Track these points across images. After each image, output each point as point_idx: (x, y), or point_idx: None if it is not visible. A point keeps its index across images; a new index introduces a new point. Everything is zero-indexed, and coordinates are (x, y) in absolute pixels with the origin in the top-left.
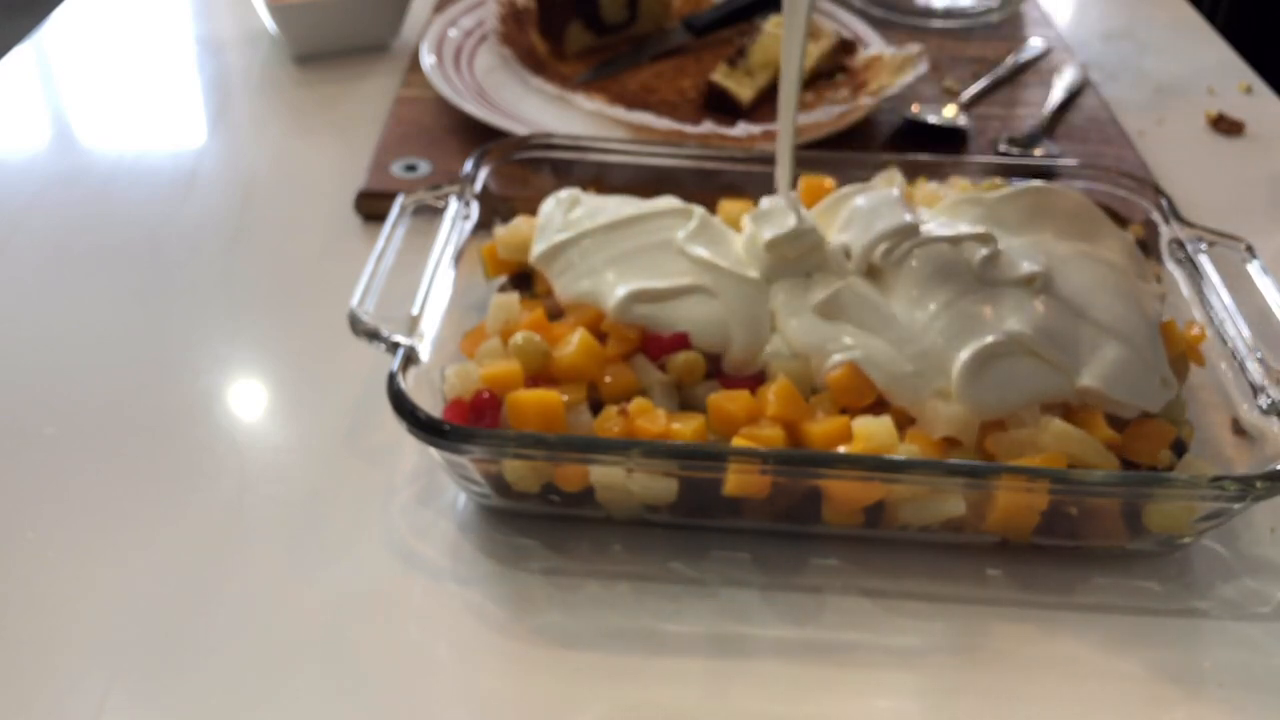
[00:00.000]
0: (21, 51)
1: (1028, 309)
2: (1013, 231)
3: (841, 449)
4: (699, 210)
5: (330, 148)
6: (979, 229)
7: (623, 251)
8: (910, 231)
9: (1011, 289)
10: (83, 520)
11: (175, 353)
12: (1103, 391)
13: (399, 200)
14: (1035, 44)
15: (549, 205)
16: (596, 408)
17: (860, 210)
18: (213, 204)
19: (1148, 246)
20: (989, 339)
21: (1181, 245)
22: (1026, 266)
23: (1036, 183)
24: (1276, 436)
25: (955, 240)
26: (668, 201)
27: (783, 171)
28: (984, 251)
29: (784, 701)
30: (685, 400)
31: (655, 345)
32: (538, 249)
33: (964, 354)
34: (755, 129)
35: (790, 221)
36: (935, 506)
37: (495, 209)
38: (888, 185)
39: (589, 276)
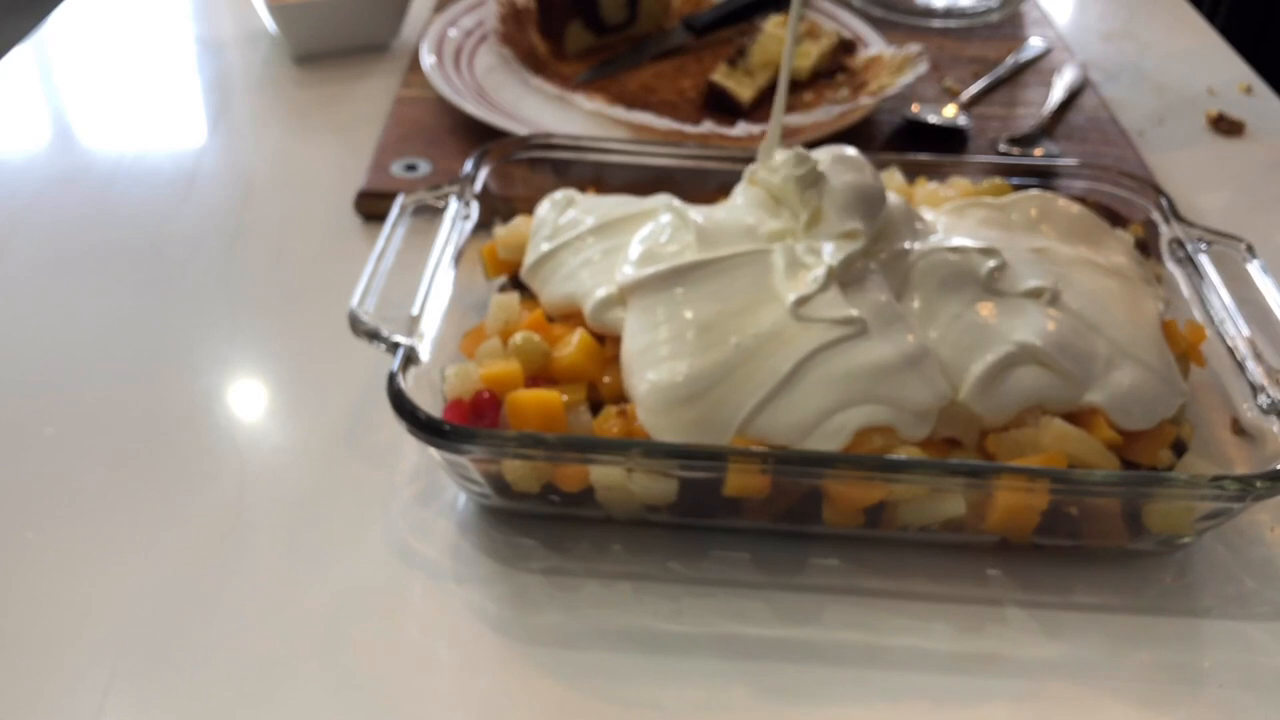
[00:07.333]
0: (21, 51)
1: (1037, 320)
2: (1018, 234)
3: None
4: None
5: (330, 148)
6: (983, 244)
7: (605, 252)
8: (904, 254)
9: (1020, 300)
10: (83, 520)
11: (175, 353)
12: (1114, 415)
13: (399, 200)
14: (1035, 44)
15: (544, 208)
16: (596, 408)
17: None
18: (213, 204)
19: (1148, 246)
20: (1002, 352)
21: (1181, 245)
22: (1033, 281)
23: (1036, 191)
24: (1276, 436)
25: (960, 252)
26: (660, 200)
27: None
28: (991, 263)
29: (784, 701)
30: None
31: None
32: (527, 261)
33: (976, 368)
34: (755, 129)
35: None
36: (935, 506)
37: (495, 209)
38: (886, 187)
39: (573, 279)
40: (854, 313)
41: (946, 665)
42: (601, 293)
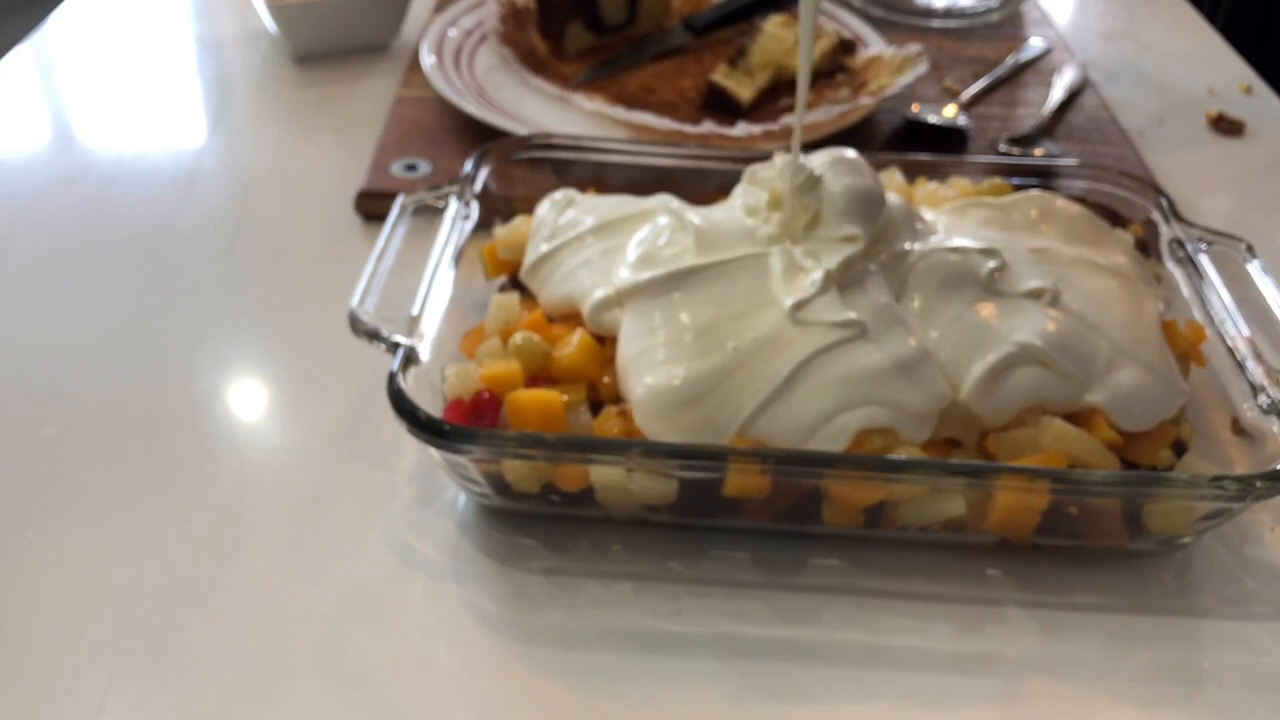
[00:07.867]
0: (21, 51)
1: (1038, 321)
2: (1018, 234)
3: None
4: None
5: (330, 148)
6: (983, 244)
7: (604, 252)
8: (904, 254)
9: (1020, 300)
10: (83, 520)
11: (175, 353)
12: (1114, 415)
13: (399, 200)
14: (1035, 44)
15: (543, 208)
16: (596, 408)
17: None
18: (213, 204)
19: (1148, 246)
20: (1002, 352)
21: (1181, 245)
22: (1033, 282)
23: (1036, 191)
24: (1276, 436)
25: (960, 253)
26: (659, 200)
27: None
28: (991, 264)
29: (784, 701)
30: None
31: None
32: (527, 261)
33: (976, 368)
34: (755, 129)
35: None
36: (935, 506)
37: (495, 209)
38: (886, 187)
39: (572, 279)
40: (852, 315)
41: (946, 665)
42: (600, 294)
